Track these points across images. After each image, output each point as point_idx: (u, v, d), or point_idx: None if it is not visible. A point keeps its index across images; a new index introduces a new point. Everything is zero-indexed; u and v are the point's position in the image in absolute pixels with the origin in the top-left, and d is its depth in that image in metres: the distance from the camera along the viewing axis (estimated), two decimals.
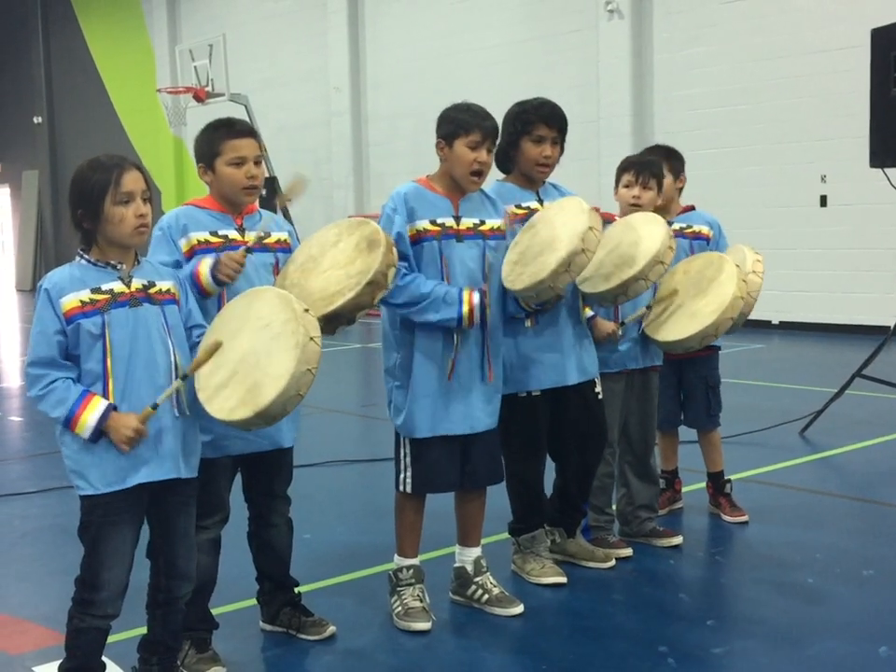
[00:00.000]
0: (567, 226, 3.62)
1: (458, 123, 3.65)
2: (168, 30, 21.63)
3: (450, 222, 3.67)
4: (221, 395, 2.88)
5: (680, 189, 4.82)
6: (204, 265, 3.19)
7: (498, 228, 3.76)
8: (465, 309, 3.54)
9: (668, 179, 4.67)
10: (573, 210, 3.67)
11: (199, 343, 3.01)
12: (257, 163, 3.38)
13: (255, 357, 2.88)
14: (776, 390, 8.46)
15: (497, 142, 3.96)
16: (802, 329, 12.25)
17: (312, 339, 2.86)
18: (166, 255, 3.26)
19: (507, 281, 3.67)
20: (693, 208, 4.86)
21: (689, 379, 4.84)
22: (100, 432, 2.80)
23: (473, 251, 3.68)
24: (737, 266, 4.15)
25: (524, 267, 3.65)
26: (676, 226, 4.70)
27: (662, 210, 4.72)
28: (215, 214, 3.39)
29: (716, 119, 12.74)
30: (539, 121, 3.95)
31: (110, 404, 2.82)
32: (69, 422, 2.80)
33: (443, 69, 15.74)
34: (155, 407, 2.83)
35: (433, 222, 3.64)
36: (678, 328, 4.15)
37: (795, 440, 6.54)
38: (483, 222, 3.73)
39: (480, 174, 3.68)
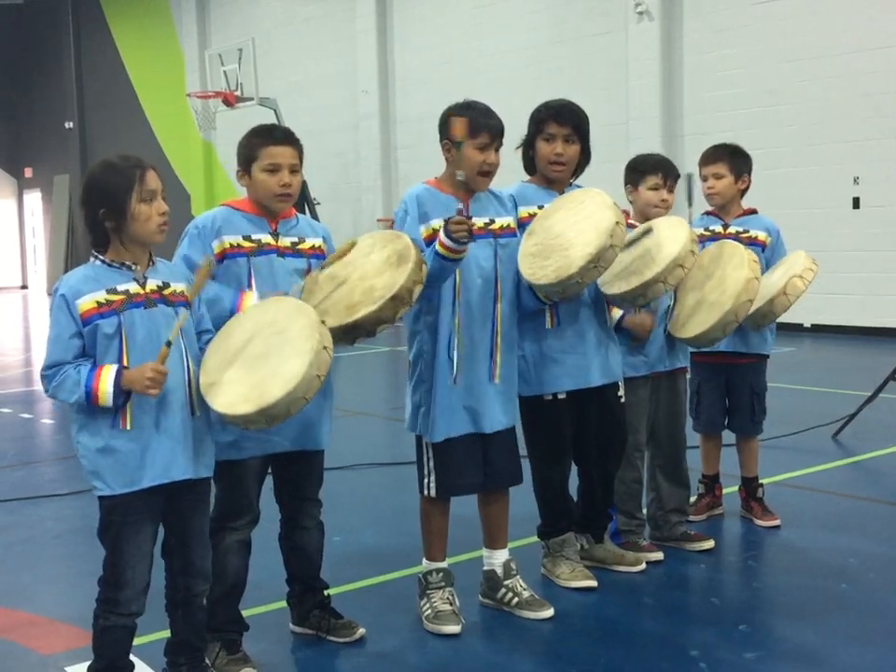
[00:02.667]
0: (591, 220, 3.59)
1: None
2: (198, 35, 21.79)
3: None
4: (225, 391, 2.89)
5: (743, 192, 4.75)
6: (249, 301, 3.20)
7: (508, 226, 3.74)
8: (440, 250, 3.38)
9: (729, 179, 4.64)
10: (597, 204, 3.64)
11: (206, 348, 3.03)
12: (293, 172, 3.38)
13: (265, 358, 2.90)
14: (807, 393, 8.38)
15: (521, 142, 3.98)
16: (834, 331, 12.14)
17: (325, 348, 2.87)
18: (198, 256, 3.27)
19: (529, 275, 3.63)
20: (754, 211, 4.79)
21: (735, 384, 4.79)
22: (124, 394, 2.80)
23: (486, 250, 3.66)
24: (750, 254, 4.13)
25: (544, 261, 3.60)
26: (732, 229, 4.68)
27: (722, 210, 4.70)
28: (250, 217, 3.40)
29: (746, 120, 12.65)
30: (549, 119, 3.93)
31: (120, 365, 2.82)
32: (90, 398, 2.80)
33: (471, 72, 15.74)
34: (168, 345, 2.83)
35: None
36: (698, 321, 4.13)
37: (828, 443, 6.48)
38: (492, 221, 3.71)
39: (489, 174, 3.66)
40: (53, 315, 2.87)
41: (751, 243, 4.65)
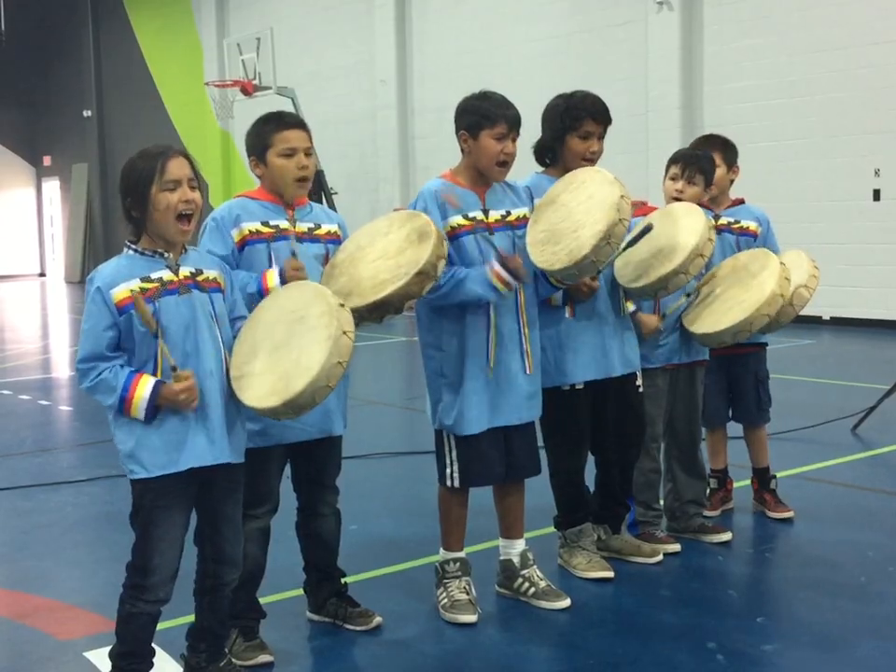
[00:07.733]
0: (596, 198, 3.58)
1: (483, 114, 3.61)
2: (216, 24, 21.80)
3: (480, 216, 3.65)
4: (253, 383, 2.92)
5: (732, 181, 4.73)
6: (272, 278, 3.25)
7: (524, 216, 3.74)
8: (497, 284, 3.49)
9: (721, 170, 4.61)
10: (598, 182, 3.63)
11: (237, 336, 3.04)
12: (307, 155, 3.41)
13: (287, 349, 2.92)
14: (826, 386, 8.34)
15: (540, 136, 3.98)
16: (853, 324, 12.07)
17: (345, 333, 2.88)
18: (220, 247, 3.30)
19: (541, 262, 3.61)
20: (742, 202, 4.76)
21: (738, 374, 4.76)
22: (154, 409, 2.82)
23: (504, 242, 3.66)
24: (783, 264, 4.10)
25: (555, 246, 3.59)
26: (723, 220, 4.64)
27: (712, 201, 4.67)
28: (267, 204, 3.42)
29: (767, 112, 12.57)
30: (587, 117, 3.92)
31: (158, 380, 2.83)
32: (122, 404, 2.82)
33: (490, 62, 15.69)
34: (174, 369, 2.83)
35: (465, 217, 3.63)
36: (712, 320, 4.13)
37: (847, 436, 6.44)
38: (509, 213, 3.72)
39: (506, 164, 3.65)
40: (87, 308, 2.88)
41: (743, 233, 4.62)
